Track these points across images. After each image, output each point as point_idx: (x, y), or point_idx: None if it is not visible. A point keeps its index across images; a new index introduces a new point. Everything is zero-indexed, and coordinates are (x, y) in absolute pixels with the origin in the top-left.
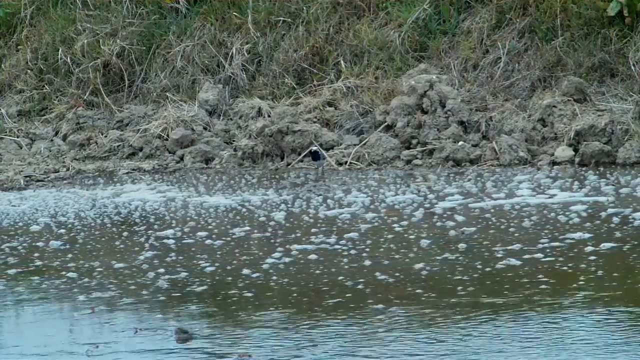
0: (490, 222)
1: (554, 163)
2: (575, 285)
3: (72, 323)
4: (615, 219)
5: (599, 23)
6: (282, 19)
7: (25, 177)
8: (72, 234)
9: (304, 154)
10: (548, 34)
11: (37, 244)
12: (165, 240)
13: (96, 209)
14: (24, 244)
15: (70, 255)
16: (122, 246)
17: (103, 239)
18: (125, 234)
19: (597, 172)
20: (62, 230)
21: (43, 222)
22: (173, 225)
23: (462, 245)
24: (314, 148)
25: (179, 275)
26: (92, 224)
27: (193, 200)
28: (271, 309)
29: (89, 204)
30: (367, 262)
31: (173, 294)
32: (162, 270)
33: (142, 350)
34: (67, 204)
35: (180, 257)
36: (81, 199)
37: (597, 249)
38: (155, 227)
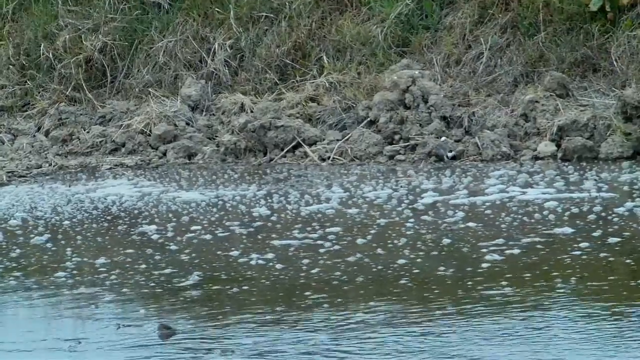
0: (472, 218)
1: (536, 158)
2: (557, 281)
3: (54, 319)
4: (599, 215)
5: (581, 18)
6: (264, 14)
7: (8, 172)
8: (53, 230)
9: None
10: (530, 29)
11: (17, 239)
12: (146, 236)
13: (73, 204)
14: (4, 240)
15: (50, 251)
16: (103, 241)
17: (83, 234)
18: (108, 229)
19: (580, 167)
20: (43, 226)
21: (21, 217)
22: (155, 221)
23: (445, 241)
24: (450, 154)
25: (162, 271)
26: (73, 220)
27: (173, 195)
28: (254, 304)
29: (69, 200)
30: (350, 258)
31: (156, 290)
32: (144, 266)
33: (124, 346)
34: (42, 199)
35: (163, 253)
36: (62, 195)
37: (580, 244)
38: (137, 222)
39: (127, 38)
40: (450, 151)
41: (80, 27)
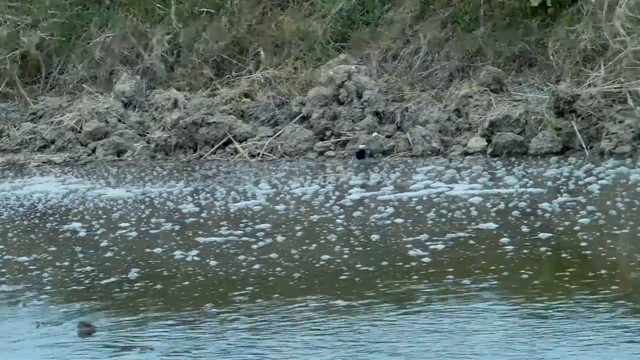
0: (398, 213)
1: (466, 154)
2: (481, 276)
3: None
4: (522, 210)
5: (522, 13)
6: (205, 10)
7: None
8: None
9: (354, 152)
10: (471, 24)
11: None
12: (72, 233)
13: None
14: None
15: None
16: (26, 239)
17: (11, 231)
18: (34, 227)
19: (508, 162)
20: None
21: None
22: (80, 218)
23: (371, 237)
24: (361, 146)
25: (84, 268)
26: None
27: (99, 193)
28: (176, 301)
29: None
30: (275, 255)
31: (77, 287)
32: (67, 263)
33: (44, 344)
34: None
35: (85, 250)
36: None
37: (504, 239)
38: (62, 220)
39: (65, 34)
40: (369, 150)
41: (19, 23)
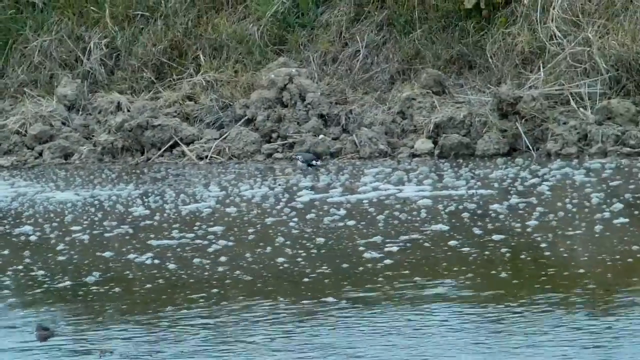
0: (351, 215)
1: (413, 155)
2: (435, 278)
3: None
4: (474, 211)
5: (457, 16)
6: (140, 13)
7: None
8: None
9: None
10: (406, 27)
11: None
12: (23, 237)
13: None
14: None
15: None
16: None
17: None
18: None
19: (456, 164)
20: None
21: None
22: (30, 221)
23: (322, 239)
24: (314, 163)
25: (39, 272)
26: None
27: (48, 196)
28: (134, 305)
29: None
30: (228, 257)
31: (34, 291)
32: (21, 267)
33: (1, 348)
34: None
35: (40, 254)
36: None
37: (457, 241)
38: (13, 223)
39: (1, 37)
40: (316, 159)
41: None
